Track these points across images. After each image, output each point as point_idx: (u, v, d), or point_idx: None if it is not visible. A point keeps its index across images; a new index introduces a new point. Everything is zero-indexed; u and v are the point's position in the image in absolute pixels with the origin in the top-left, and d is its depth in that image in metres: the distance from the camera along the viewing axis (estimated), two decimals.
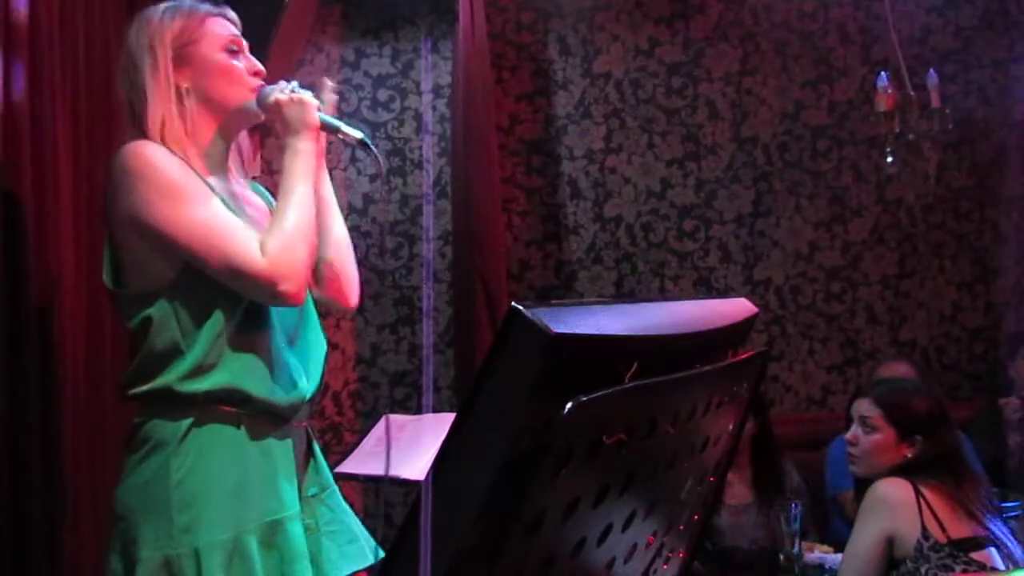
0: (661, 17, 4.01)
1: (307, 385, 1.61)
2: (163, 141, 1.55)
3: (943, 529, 2.09)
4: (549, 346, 0.61)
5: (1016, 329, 3.69)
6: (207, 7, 1.65)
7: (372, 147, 1.59)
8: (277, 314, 1.60)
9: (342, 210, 1.80)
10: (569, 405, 0.60)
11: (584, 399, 0.61)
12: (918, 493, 2.13)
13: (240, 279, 1.50)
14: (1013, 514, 2.55)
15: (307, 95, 1.59)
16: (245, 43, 1.67)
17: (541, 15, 3.98)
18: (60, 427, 2.25)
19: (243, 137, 1.74)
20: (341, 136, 1.61)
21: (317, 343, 1.69)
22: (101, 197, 2.52)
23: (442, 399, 3.76)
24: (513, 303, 0.60)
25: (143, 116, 1.57)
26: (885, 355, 3.94)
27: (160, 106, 1.56)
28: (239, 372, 1.53)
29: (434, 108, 3.95)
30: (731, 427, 1.09)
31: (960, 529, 2.10)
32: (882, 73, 3.18)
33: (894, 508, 2.13)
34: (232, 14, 1.69)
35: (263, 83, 1.63)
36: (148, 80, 1.57)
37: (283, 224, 1.52)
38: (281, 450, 1.58)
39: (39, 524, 2.07)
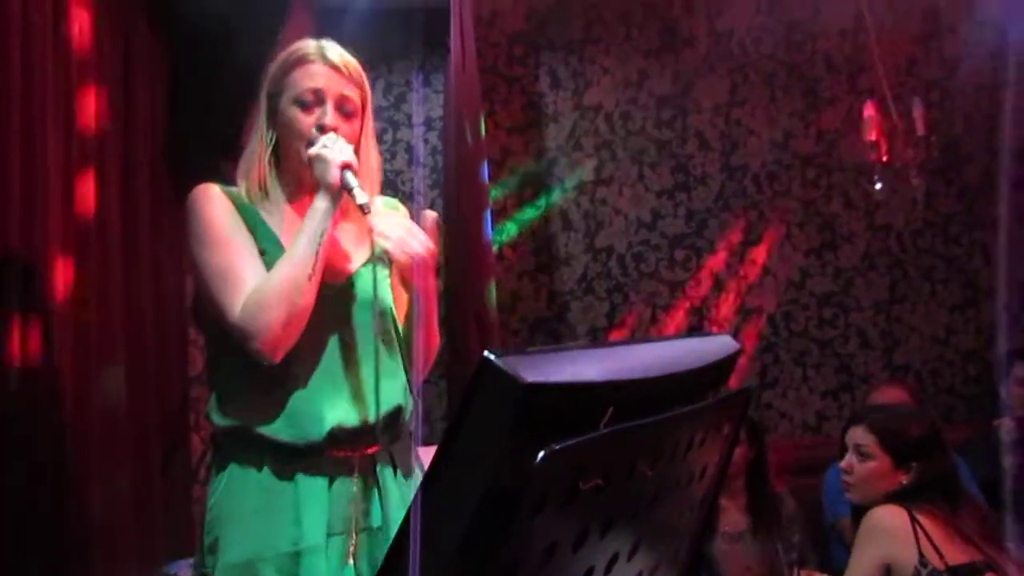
0: (650, 49, 4.06)
1: (333, 418, 1.59)
2: (245, 181, 1.68)
3: (940, 556, 2.08)
4: (521, 395, 0.61)
5: (1006, 350, 3.70)
6: (308, 50, 1.67)
7: (367, 216, 1.59)
8: (318, 349, 1.61)
9: None
10: (541, 454, 0.60)
11: (556, 447, 0.61)
12: (914, 520, 2.12)
13: (225, 329, 1.57)
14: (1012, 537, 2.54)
15: (335, 153, 1.59)
16: (337, 91, 1.65)
17: (532, 48, 4.03)
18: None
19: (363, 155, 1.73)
20: (351, 197, 1.61)
21: (381, 377, 1.65)
22: (91, 217, 2.54)
23: (435, 431, 3.75)
24: (485, 352, 0.61)
25: (245, 152, 1.71)
26: (879, 379, 3.94)
27: (251, 149, 1.70)
28: (248, 410, 1.58)
29: (426, 141, 3.99)
30: (716, 462, 1.09)
31: (957, 555, 2.09)
32: (868, 102, 3.22)
33: (890, 536, 2.12)
34: (336, 58, 1.67)
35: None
36: (255, 121, 1.70)
37: (268, 281, 1.56)
38: (309, 483, 1.58)
39: (24, 523, 2.07)
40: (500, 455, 0.61)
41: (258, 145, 1.69)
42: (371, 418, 1.63)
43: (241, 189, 1.68)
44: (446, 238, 3.76)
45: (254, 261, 1.60)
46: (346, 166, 1.59)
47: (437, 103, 3.96)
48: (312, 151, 1.61)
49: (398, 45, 3.95)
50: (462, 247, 3.54)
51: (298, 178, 1.69)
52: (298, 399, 1.58)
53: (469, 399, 0.62)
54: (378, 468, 1.66)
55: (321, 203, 1.59)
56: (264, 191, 1.67)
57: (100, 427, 2.53)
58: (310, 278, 1.56)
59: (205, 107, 3.00)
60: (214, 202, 1.63)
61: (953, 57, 4.06)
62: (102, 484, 2.50)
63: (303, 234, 1.58)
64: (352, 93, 1.68)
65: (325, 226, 1.58)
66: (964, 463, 3.00)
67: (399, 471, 1.69)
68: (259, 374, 1.57)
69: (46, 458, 2.23)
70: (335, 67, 1.67)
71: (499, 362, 0.61)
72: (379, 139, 3.98)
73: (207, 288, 1.58)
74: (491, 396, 0.61)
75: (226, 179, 1.72)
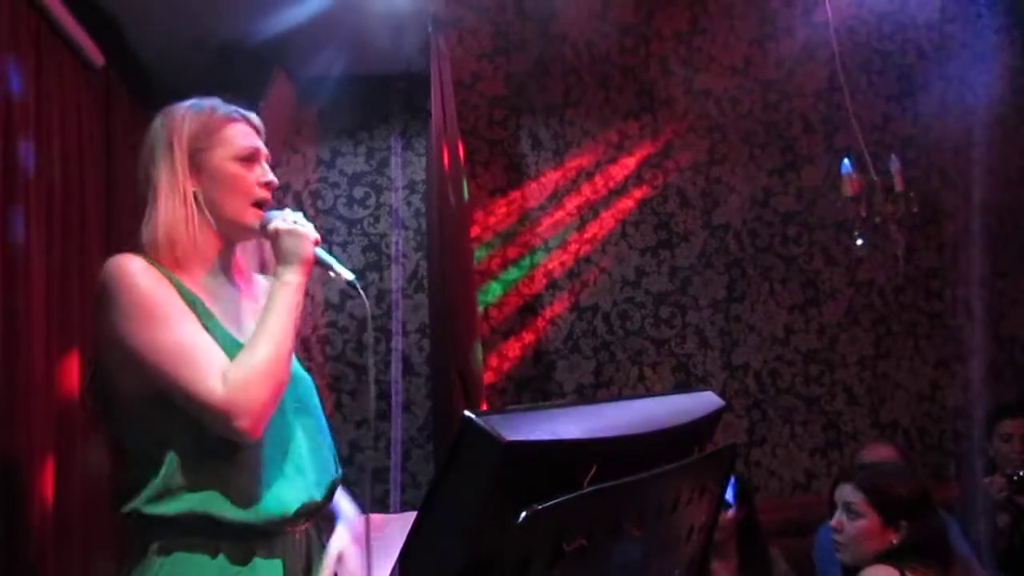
0: (629, 111, 4.12)
1: (296, 496, 1.56)
2: (163, 244, 1.55)
3: None
4: (502, 454, 0.60)
5: (988, 407, 3.70)
6: (229, 110, 1.65)
7: (360, 290, 1.57)
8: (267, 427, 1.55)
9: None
10: (523, 514, 0.59)
11: (538, 507, 0.60)
12: None
13: (197, 408, 1.46)
14: None
15: (307, 228, 1.58)
16: (265, 151, 1.66)
17: (512, 111, 4.08)
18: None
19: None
20: (332, 274, 1.61)
21: (315, 450, 1.62)
22: (74, 308, 2.52)
23: (423, 494, 3.69)
24: (465, 412, 0.60)
25: (152, 214, 1.57)
26: (867, 436, 3.93)
27: (168, 207, 1.57)
28: (206, 496, 1.49)
29: (409, 203, 4.01)
30: (704, 522, 1.07)
31: None
32: (845, 160, 3.26)
33: None
34: (256, 120, 1.68)
35: (269, 196, 1.63)
36: (162, 179, 1.58)
37: (252, 356, 1.48)
38: (266, 566, 1.53)
39: None
40: (482, 515, 0.60)
41: (179, 206, 1.57)
42: (318, 492, 1.60)
43: (157, 255, 1.56)
44: (431, 300, 3.75)
45: (207, 335, 1.51)
46: (317, 243, 1.59)
47: (419, 166, 4.00)
48: (281, 225, 1.58)
49: (379, 110, 4.00)
50: (447, 308, 3.53)
51: (212, 238, 1.61)
52: (255, 479, 1.52)
53: (450, 459, 0.61)
54: (311, 541, 1.63)
55: (293, 277, 1.56)
56: (183, 256, 1.57)
57: (80, 507, 2.48)
58: (291, 352, 1.54)
59: None
60: (144, 274, 1.51)
61: (927, 115, 4.14)
62: (80, 569, 2.45)
63: (278, 309, 1.53)
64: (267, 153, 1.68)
65: (298, 299, 1.56)
66: (955, 522, 2.98)
67: (322, 542, 1.66)
68: (214, 457, 1.49)
69: (23, 540, 2.17)
70: (257, 128, 1.68)
71: (479, 421, 0.60)
72: (362, 203, 4.03)
73: (164, 366, 1.46)
74: (472, 455, 0.60)
75: None
